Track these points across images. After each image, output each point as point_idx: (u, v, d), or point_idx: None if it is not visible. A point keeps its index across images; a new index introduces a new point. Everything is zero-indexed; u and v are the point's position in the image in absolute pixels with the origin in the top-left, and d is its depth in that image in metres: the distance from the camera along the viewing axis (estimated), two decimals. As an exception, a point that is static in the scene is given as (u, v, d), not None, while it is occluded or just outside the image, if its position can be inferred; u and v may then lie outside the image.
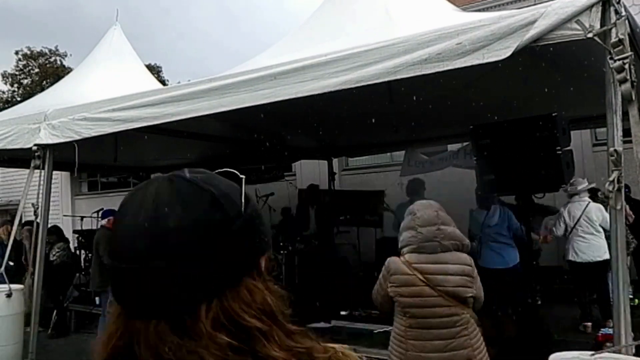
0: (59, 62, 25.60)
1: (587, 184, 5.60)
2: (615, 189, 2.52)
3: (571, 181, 5.34)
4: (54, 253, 7.38)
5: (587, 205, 5.51)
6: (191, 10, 53.55)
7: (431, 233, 2.55)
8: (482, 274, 5.12)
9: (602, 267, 5.45)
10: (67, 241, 7.94)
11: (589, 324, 5.53)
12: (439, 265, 2.50)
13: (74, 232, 10.44)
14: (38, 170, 4.71)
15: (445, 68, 2.88)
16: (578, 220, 5.50)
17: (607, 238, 5.33)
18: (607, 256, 5.29)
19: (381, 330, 5.12)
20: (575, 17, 2.57)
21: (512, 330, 5.10)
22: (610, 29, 2.51)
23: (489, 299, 4.81)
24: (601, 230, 5.41)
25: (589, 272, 5.55)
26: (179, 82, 5.58)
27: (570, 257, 5.66)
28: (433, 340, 2.45)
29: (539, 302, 6.36)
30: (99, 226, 7.43)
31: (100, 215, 6.99)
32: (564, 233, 5.69)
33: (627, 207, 5.76)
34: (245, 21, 61.05)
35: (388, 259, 2.65)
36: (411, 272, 2.50)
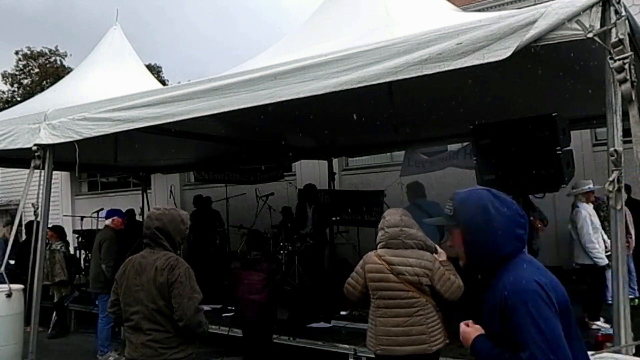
0: (59, 62, 25.61)
1: (590, 185, 5.64)
2: (615, 189, 2.53)
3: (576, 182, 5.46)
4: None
5: (573, 209, 5.62)
6: (187, 10, 53.63)
7: (395, 233, 3.18)
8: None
9: (583, 272, 5.54)
10: (67, 242, 7.92)
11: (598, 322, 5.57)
12: (401, 258, 3.13)
13: (74, 232, 10.44)
14: (38, 170, 4.71)
15: (446, 68, 2.88)
16: (570, 222, 5.69)
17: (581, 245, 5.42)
18: (580, 262, 5.47)
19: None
20: (575, 17, 2.57)
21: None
22: (610, 29, 2.51)
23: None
24: (575, 235, 5.51)
25: (581, 272, 5.70)
26: (179, 82, 5.58)
27: None
28: (395, 317, 3.10)
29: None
30: (102, 226, 7.34)
31: (104, 215, 6.90)
32: None
33: (537, 220, 5.81)
34: (243, 21, 61.08)
35: (365, 254, 3.31)
36: (380, 262, 3.16)
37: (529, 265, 1.77)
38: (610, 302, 3.08)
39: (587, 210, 5.50)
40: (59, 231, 7.60)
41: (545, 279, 1.72)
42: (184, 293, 2.81)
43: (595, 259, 5.30)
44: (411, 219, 3.28)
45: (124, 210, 7.01)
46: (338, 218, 8.20)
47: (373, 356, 3.39)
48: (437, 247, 3.30)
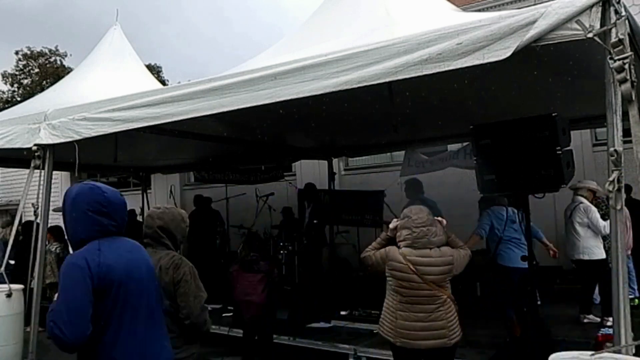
0: (59, 62, 25.63)
1: (593, 185, 5.72)
2: (615, 189, 2.53)
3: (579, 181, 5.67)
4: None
5: (575, 205, 5.76)
6: (188, 11, 53.64)
7: (423, 232, 3.26)
8: (506, 273, 5.17)
9: (583, 267, 5.73)
10: (65, 242, 7.90)
11: (590, 315, 5.72)
12: (426, 259, 3.22)
13: (74, 232, 10.42)
14: (38, 170, 4.71)
15: (446, 68, 2.88)
16: (567, 219, 5.84)
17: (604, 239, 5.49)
18: (583, 257, 5.66)
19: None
20: (575, 17, 2.57)
21: (517, 332, 5.11)
22: (610, 29, 2.51)
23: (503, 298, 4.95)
24: (582, 230, 5.66)
25: (577, 268, 5.90)
26: (179, 82, 5.58)
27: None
28: (417, 312, 3.20)
29: (539, 302, 6.39)
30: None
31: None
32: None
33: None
34: (241, 22, 61.17)
35: (389, 247, 3.39)
36: (405, 262, 3.21)
37: (96, 246, 2.14)
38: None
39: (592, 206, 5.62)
40: (55, 232, 7.58)
41: (101, 259, 2.09)
42: (190, 292, 2.80)
43: None
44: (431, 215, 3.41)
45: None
46: (316, 221, 8.08)
47: (373, 357, 3.43)
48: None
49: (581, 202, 5.68)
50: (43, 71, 25.10)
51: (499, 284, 5.58)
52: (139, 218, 9.54)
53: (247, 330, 5.12)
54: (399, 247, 3.32)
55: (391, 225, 3.48)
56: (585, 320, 5.67)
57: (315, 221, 7.94)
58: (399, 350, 3.30)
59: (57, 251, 7.40)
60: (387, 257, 3.30)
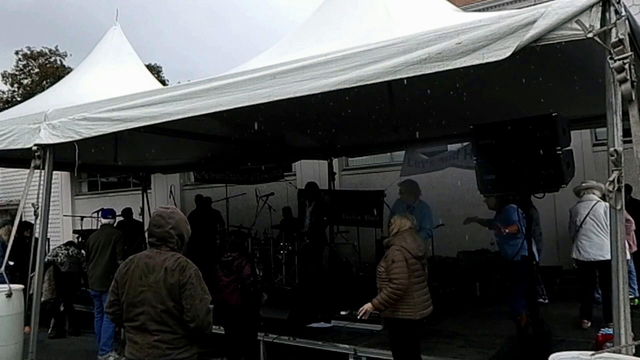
0: (59, 62, 25.60)
1: (599, 186, 5.65)
2: (615, 189, 2.53)
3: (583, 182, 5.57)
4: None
5: (594, 205, 5.52)
6: (186, 10, 53.74)
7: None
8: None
9: (608, 267, 5.53)
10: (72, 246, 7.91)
11: (588, 322, 5.57)
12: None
13: (74, 232, 10.45)
14: (38, 170, 4.71)
15: (445, 68, 2.88)
16: (584, 219, 5.51)
17: None
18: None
19: (380, 330, 5.13)
20: (575, 17, 2.57)
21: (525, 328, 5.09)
22: (610, 29, 2.51)
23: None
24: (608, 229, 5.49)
25: (594, 270, 5.59)
26: (179, 82, 5.58)
27: (574, 255, 5.70)
28: (423, 289, 4.21)
29: (546, 301, 6.39)
30: (102, 225, 7.25)
31: (100, 215, 6.94)
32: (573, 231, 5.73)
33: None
34: (234, 22, 61.36)
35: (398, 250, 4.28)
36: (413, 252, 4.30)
37: None
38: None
39: None
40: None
41: None
42: (196, 294, 2.80)
43: None
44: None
45: (121, 209, 7.01)
46: (325, 218, 8.07)
47: (373, 357, 3.43)
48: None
49: (598, 201, 5.49)
50: (43, 71, 25.06)
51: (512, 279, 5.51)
52: (139, 218, 9.55)
53: (227, 330, 5.12)
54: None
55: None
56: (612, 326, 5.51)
57: (325, 218, 7.94)
58: (417, 323, 4.11)
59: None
60: (403, 256, 4.09)
